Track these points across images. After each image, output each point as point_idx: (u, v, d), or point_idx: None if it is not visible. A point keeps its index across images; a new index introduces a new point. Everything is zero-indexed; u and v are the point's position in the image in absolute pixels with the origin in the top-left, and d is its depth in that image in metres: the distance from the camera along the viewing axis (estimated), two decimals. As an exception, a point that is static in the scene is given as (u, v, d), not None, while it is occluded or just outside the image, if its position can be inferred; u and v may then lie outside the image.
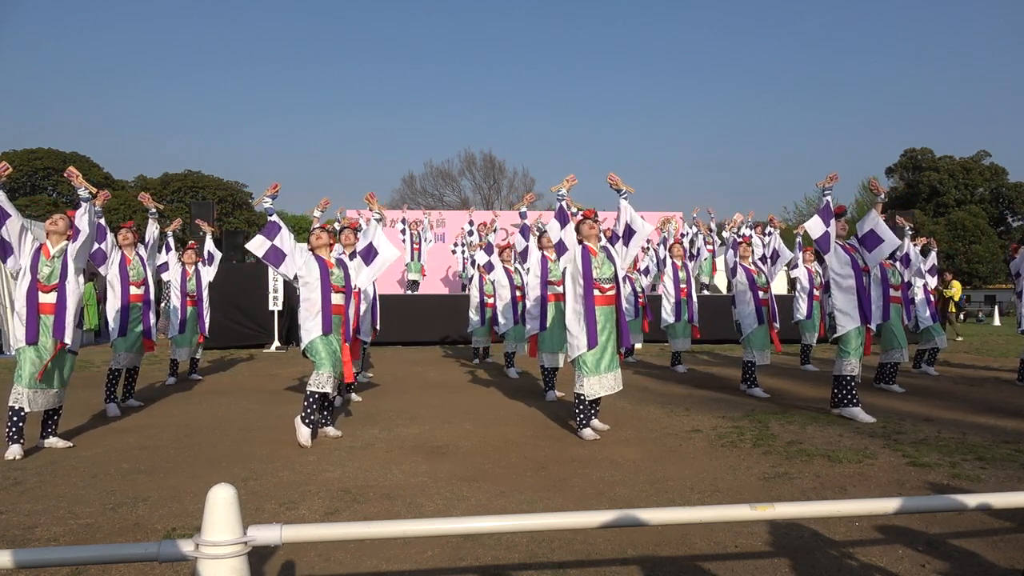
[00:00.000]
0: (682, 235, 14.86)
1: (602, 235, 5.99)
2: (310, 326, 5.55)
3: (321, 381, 5.48)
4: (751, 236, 9.83)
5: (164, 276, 8.76)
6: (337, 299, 5.67)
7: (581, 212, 5.98)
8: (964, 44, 72.46)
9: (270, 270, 12.98)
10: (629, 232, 5.85)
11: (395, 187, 47.44)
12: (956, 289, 17.18)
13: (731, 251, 8.40)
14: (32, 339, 5.13)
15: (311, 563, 3.19)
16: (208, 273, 9.16)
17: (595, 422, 5.94)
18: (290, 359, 11.53)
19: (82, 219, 5.39)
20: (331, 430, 5.78)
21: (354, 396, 7.52)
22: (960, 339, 16.20)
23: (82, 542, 3.40)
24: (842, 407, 6.48)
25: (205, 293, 9.09)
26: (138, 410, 7.04)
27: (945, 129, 71.49)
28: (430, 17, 74.99)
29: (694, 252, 13.21)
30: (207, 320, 9.14)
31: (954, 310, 18.03)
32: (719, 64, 77.70)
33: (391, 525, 2.38)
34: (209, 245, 9.35)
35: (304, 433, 5.41)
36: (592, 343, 5.49)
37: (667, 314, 9.92)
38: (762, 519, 3.44)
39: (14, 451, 5.03)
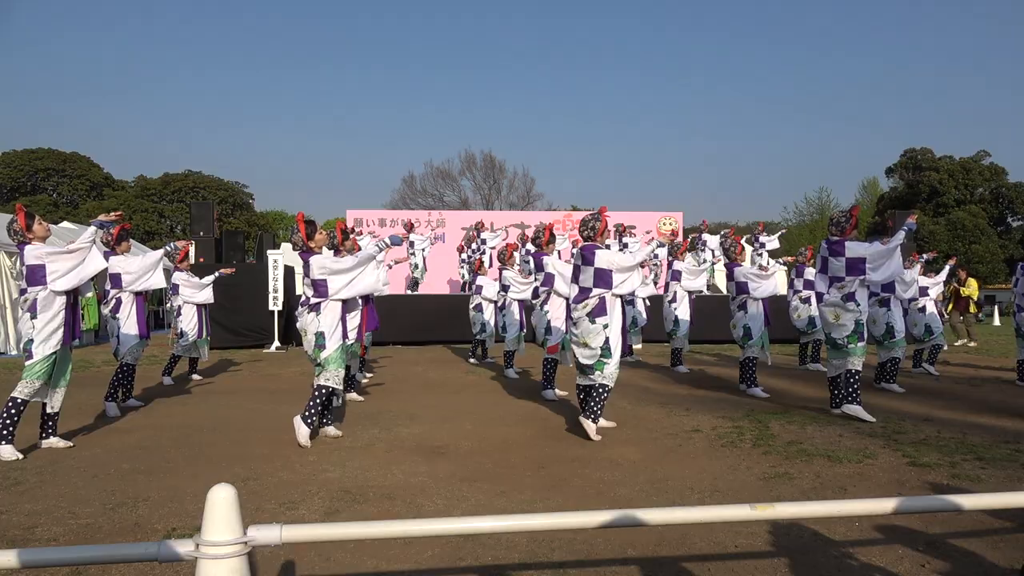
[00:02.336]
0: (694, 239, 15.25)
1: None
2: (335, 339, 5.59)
3: (339, 378, 5.56)
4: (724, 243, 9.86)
5: (184, 288, 8.84)
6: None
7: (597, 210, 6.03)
8: (964, 44, 72.47)
9: (269, 270, 13.01)
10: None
11: (395, 187, 47.47)
12: (973, 287, 15.87)
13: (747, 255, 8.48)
14: (68, 340, 5.34)
15: (311, 563, 3.19)
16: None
17: (600, 420, 5.97)
18: (290, 359, 11.53)
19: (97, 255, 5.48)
20: (331, 430, 5.78)
21: (354, 396, 7.53)
22: (972, 344, 14.76)
23: (82, 542, 3.40)
24: (844, 405, 6.48)
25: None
26: (137, 410, 7.04)
27: (945, 129, 71.56)
28: (430, 17, 75.04)
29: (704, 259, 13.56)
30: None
31: (975, 310, 16.24)
32: (719, 64, 77.76)
33: (391, 525, 2.38)
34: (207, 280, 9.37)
35: (304, 432, 5.40)
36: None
37: (684, 315, 9.89)
38: (762, 519, 3.44)
39: (8, 451, 5.05)
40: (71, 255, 5.25)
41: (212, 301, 9.13)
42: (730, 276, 8.28)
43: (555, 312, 7.28)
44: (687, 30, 77.22)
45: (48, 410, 5.35)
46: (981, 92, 71.73)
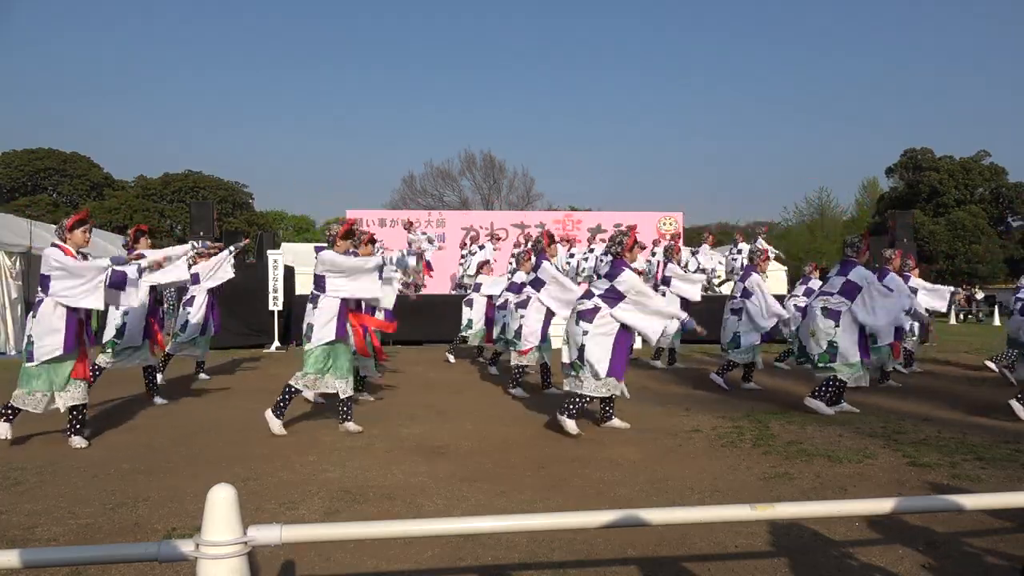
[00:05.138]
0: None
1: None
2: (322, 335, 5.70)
3: (317, 381, 5.75)
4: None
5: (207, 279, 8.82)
6: None
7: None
8: (964, 44, 72.48)
9: (269, 270, 13.00)
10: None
11: (395, 187, 47.47)
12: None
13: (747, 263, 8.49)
14: (71, 348, 5.29)
15: (311, 563, 3.19)
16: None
17: (610, 420, 6.07)
18: (290, 359, 11.53)
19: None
20: (351, 426, 5.87)
21: (364, 396, 7.49)
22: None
23: (82, 542, 3.40)
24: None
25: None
26: (138, 409, 7.03)
27: (945, 129, 71.56)
28: (430, 17, 75.06)
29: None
30: None
31: None
32: (719, 64, 77.77)
33: (391, 525, 2.39)
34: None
35: (275, 424, 5.69)
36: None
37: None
38: (762, 519, 3.44)
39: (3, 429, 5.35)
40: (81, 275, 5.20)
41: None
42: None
43: (532, 316, 7.44)
44: (687, 30, 77.26)
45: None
46: (981, 92, 71.77)
